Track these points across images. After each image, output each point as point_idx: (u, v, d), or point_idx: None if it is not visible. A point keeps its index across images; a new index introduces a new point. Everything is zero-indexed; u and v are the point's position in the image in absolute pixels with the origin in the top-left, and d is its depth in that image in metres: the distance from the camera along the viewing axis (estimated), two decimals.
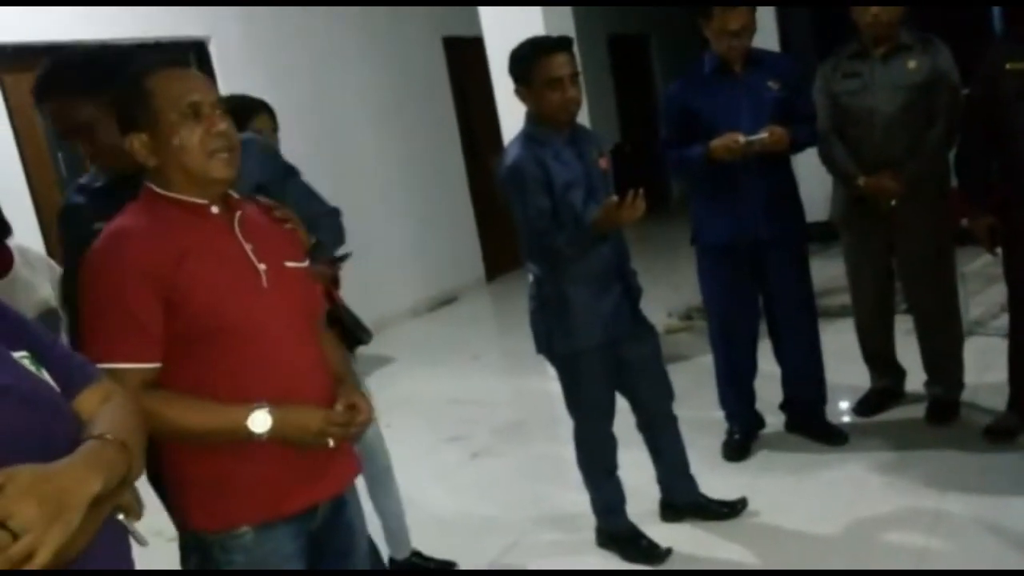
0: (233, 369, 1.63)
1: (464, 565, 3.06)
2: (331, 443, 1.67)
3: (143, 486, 1.36)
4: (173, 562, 1.75)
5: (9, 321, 1.27)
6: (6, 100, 4.86)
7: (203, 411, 1.60)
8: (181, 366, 1.61)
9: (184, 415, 1.59)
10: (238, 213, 1.71)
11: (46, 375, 1.24)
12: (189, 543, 1.72)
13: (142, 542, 1.26)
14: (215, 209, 1.67)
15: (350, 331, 2.78)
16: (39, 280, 2.54)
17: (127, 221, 1.64)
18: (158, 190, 1.66)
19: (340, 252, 2.66)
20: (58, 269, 2.72)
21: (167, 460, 1.68)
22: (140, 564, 1.30)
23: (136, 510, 1.25)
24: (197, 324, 1.59)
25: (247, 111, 2.91)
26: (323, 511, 1.75)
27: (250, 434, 1.59)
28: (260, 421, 1.59)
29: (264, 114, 3.04)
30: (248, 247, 1.67)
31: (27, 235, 4.44)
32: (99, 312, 1.59)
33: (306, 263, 1.84)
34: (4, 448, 1.08)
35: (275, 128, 3.09)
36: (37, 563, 0.98)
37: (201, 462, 1.66)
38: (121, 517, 1.20)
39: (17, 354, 1.22)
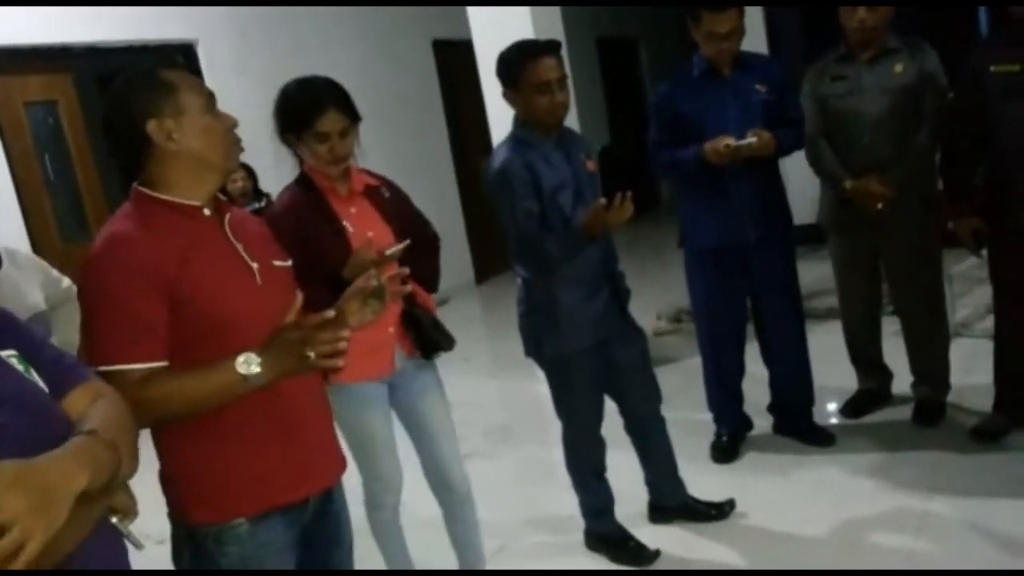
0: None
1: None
2: (312, 355, 1.57)
3: (137, 488, 1.35)
4: (162, 565, 1.74)
5: None
6: None
7: (196, 376, 1.60)
8: (184, 363, 1.64)
9: (182, 389, 1.59)
10: (227, 215, 1.77)
11: (34, 374, 1.24)
12: (182, 537, 1.73)
13: (138, 545, 1.25)
14: (207, 211, 1.73)
15: (427, 336, 2.51)
16: (28, 283, 2.53)
17: (122, 225, 1.67)
18: (150, 193, 1.69)
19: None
20: (51, 271, 2.70)
21: (162, 455, 1.71)
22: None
23: (132, 511, 1.25)
24: (200, 323, 1.64)
25: None
26: (313, 503, 1.82)
27: (244, 378, 1.57)
28: (247, 362, 1.57)
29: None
30: (240, 246, 1.74)
31: (14, 238, 4.43)
32: (103, 315, 1.60)
33: (289, 262, 1.88)
34: None
35: None
36: (24, 557, 0.98)
37: (196, 456, 1.69)
38: (115, 520, 1.20)
39: (4, 352, 1.22)
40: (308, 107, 2.34)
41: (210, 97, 1.73)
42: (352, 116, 2.39)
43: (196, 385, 1.59)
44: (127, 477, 1.24)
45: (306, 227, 2.33)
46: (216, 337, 1.64)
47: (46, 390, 1.24)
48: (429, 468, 2.70)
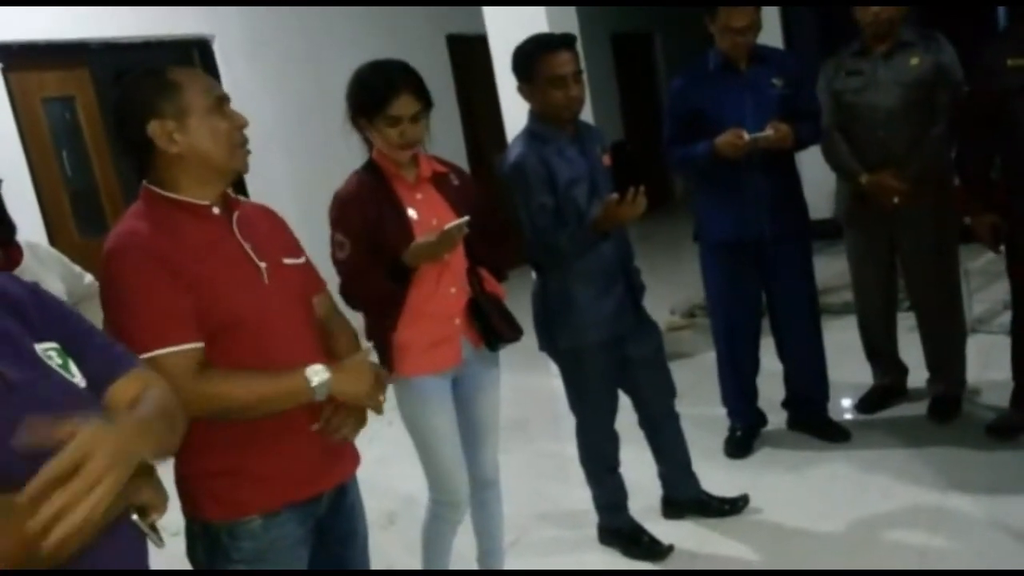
0: (236, 363, 1.66)
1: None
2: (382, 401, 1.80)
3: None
4: (175, 557, 1.76)
5: (46, 310, 1.26)
6: (11, 98, 4.88)
7: (262, 380, 1.66)
8: None
9: (246, 387, 1.64)
10: (236, 213, 1.77)
11: (73, 368, 1.21)
12: (196, 532, 1.75)
13: (158, 544, 1.23)
14: (216, 210, 1.73)
15: (492, 326, 2.48)
16: (49, 276, 2.56)
17: (134, 223, 1.67)
18: (159, 191, 1.70)
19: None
20: (72, 266, 2.73)
21: (176, 453, 1.68)
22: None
23: (160, 507, 1.23)
24: (207, 323, 1.63)
25: None
26: (328, 497, 1.83)
27: (309, 383, 1.65)
28: (316, 372, 1.66)
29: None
30: (248, 246, 1.73)
31: (32, 233, 4.46)
32: (131, 305, 1.60)
33: (303, 259, 1.88)
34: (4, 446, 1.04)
35: None
36: (90, 510, 0.97)
37: (211, 456, 1.70)
38: (135, 517, 1.18)
39: (44, 345, 1.19)
40: (382, 90, 2.30)
41: (219, 98, 1.70)
42: (425, 101, 2.36)
43: (263, 384, 1.65)
44: (166, 455, 1.27)
45: (370, 212, 2.32)
46: (221, 336, 1.65)
47: (83, 385, 1.21)
48: (467, 458, 2.68)
